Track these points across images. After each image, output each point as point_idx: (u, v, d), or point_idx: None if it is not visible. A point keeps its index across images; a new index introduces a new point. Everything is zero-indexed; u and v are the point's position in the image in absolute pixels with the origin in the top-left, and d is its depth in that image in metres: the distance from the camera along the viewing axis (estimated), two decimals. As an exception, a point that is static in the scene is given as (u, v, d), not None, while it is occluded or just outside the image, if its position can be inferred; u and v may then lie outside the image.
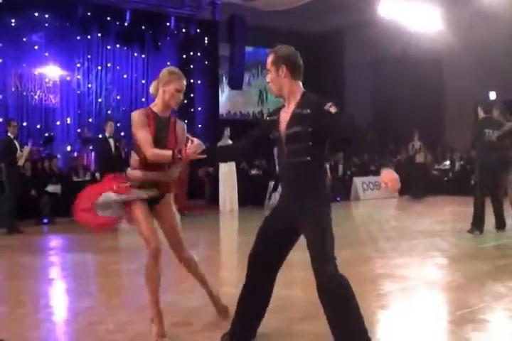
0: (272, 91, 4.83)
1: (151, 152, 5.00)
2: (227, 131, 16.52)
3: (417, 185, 20.87)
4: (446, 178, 22.41)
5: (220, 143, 16.36)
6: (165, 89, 5.21)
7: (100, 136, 15.27)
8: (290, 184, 4.72)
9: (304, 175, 4.62)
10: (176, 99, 5.24)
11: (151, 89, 5.35)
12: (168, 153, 4.95)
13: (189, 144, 4.88)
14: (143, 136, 5.07)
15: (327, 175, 4.78)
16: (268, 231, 4.78)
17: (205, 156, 4.93)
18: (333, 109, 4.61)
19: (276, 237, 4.72)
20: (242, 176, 17.93)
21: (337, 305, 4.41)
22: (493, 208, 11.72)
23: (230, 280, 7.77)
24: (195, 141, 4.89)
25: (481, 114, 11.86)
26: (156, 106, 5.28)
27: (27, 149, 13.70)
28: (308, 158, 4.57)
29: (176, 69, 5.30)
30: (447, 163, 22.94)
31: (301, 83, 4.79)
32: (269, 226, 4.80)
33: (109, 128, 14.63)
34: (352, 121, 4.71)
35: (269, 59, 4.77)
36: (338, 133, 4.65)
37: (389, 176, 4.26)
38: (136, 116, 5.15)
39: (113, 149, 14.63)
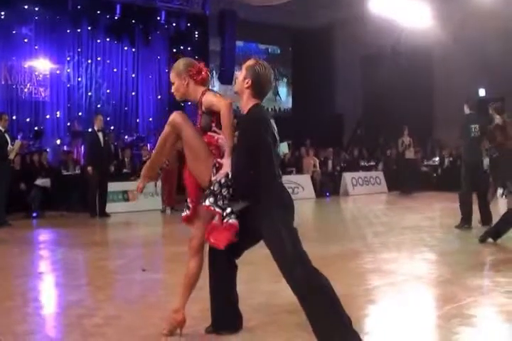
0: (235, 86, 5.07)
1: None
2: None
3: (407, 181, 20.94)
4: (435, 174, 22.47)
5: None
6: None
7: (90, 129, 15.22)
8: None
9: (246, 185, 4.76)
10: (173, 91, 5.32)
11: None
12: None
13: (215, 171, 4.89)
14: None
15: (274, 181, 4.77)
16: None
17: None
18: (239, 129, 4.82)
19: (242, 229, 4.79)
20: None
21: (313, 307, 4.48)
22: (478, 203, 11.79)
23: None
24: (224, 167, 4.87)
25: (467, 110, 11.96)
26: None
27: (18, 143, 13.66)
28: (251, 172, 4.69)
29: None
30: (436, 159, 22.98)
31: (260, 101, 4.90)
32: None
33: (98, 122, 14.64)
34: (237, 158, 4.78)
35: (247, 64, 4.92)
36: None
37: None
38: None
39: (102, 143, 14.63)
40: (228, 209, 4.77)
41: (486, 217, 11.75)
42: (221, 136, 4.89)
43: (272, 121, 4.86)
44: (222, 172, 4.80)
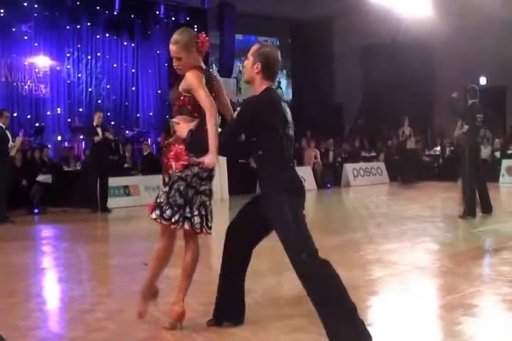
0: (244, 76, 5.13)
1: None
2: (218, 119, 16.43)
3: (408, 171, 20.95)
4: (436, 164, 22.47)
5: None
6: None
7: (89, 125, 15.25)
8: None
9: (259, 167, 4.83)
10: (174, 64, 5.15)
11: None
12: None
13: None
14: None
15: (283, 165, 4.80)
16: (248, 209, 5.05)
17: None
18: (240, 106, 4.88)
19: (253, 218, 4.90)
20: (232, 165, 17.87)
21: (317, 292, 4.48)
22: (478, 192, 11.76)
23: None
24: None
25: (469, 99, 11.92)
26: None
27: (19, 140, 13.65)
28: (260, 152, 4.76)
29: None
30: (438, 148, 22.98)
31: (272, 83, 4.91)
32: (250, 205, 5.04)
33: (97, 119, 14.63)
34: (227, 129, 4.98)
35: (252, 49, 4.91)
36: None
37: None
38: None
39: (100, 138, 14.63)
40: (176, 217, 4.90)
41: (486, 205, 11.73)
42: (180, 126, 4.89)
43: (284, 104, 4.87)
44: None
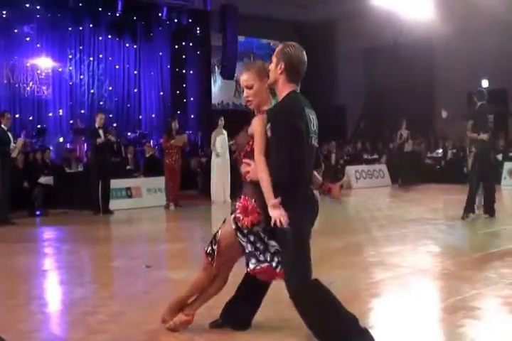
0: (268, 81, 4.68)
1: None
2: (221, 121, 16.39)
3: (406, 174, 20.98)
4: (438, 166, 22.45)
5: (214, 133, 16.31)
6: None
7: (91, 126, 15.25)
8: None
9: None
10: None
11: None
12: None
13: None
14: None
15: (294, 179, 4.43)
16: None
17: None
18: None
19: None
20: (235, 167, 17.86)
21: (309, 315, 4.41)
22: (484, 193, 11.77)
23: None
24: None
25: (477, 101, 11.87)
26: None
27: (21, 141, 13.66)
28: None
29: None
30: (440, 151, 22.96)
31: (296, 86, 4.61)
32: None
33: (99, 121, 14.61)
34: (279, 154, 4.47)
35: (276, 50, 4.63)
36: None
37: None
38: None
39: (103, 139, 14.62)
40: (276, 259, 4.58)
41: (490, 207, 11.73)
42: (249, 169, 4.61)
43: (309, 111, 4.65)
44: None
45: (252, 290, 5.05)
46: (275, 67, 4.54)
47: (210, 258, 4.78)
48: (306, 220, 4.52)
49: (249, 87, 4.70)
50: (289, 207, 4.30)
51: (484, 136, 11.48)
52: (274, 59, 4.58)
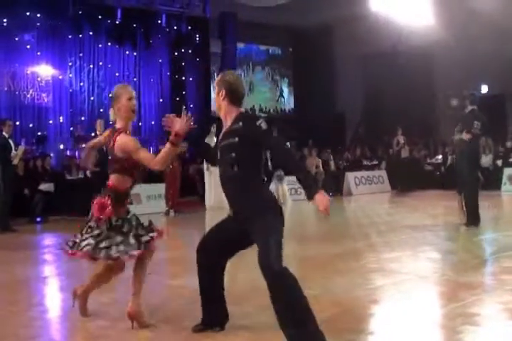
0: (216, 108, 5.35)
1: (157, 162, 5.18)
2: (213, 128, 16.41)
3: (402, 180, 21.02)
4: (438, 172, 22.44)
5: (206, 140, 16.28)
6: (119, 105, 5.39)
7: (93, 134, 15.25)
8: (229, 197, 5.04)
9: (236, 188, 4.93)
10: (132, 106, 5.43)
11: (112, 117, 5.53)
12: (167, 147, 5.09)
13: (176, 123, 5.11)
14: (146, 153, 5.33)
15: (265, 185, 5.12)
16: (222, 225, 5.22)
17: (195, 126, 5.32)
18: (263, 125, 4.82)
19: (228, 233, 5.10)
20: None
21: (281, 299, 4.59)
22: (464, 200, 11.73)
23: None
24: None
25: (469, 106, 11.82)
26: (125, 128, 5.45)
27: (22, 149, 13.69)
28: (235, 169, 4.86)
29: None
30: (439, 157, 22.97)
31: (240, 108, 5.10)
32: (224, 222, 5.21)
33: (98, 127, 14.62)
34: (283, 142, 4.93)
35: (217, 79, 5.21)
36: (269, 149, 4.95)
37: (323, 200, 4.54)
38: (132, 139, 5.33)
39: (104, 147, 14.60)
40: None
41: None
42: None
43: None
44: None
45: (210, 288, 5.21)
46: (217, 95, 5.11)
47: None
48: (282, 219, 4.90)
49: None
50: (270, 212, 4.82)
51: (467, 136, 11.40)
52: (216, 88, 5.14)
